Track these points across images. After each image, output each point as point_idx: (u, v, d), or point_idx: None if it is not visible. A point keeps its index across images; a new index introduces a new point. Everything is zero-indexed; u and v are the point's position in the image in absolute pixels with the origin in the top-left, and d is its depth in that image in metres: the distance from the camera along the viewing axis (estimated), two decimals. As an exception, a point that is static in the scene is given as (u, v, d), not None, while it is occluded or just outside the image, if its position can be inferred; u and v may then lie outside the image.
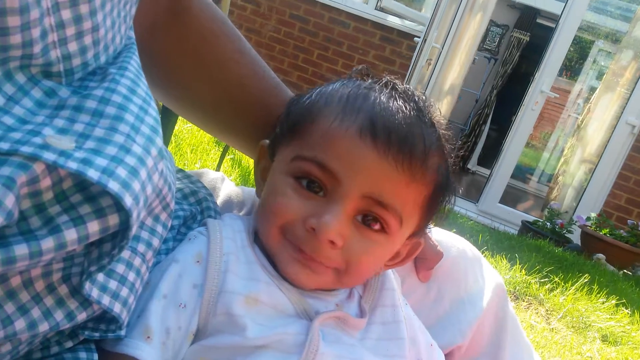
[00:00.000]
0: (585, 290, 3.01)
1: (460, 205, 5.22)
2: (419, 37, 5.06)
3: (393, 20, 5.54)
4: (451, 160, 0.66)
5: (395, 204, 0.61)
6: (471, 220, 4.44)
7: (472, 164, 8.34)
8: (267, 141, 0.72)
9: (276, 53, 5.84)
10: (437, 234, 0.83)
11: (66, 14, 0.44)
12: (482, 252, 3.14)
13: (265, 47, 5.81)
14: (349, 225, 0.61)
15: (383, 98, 0.63)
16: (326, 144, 0.60)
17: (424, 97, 0.67)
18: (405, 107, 0.62)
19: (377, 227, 0.62)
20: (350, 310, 0.65)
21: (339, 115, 0.61)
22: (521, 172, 8.11)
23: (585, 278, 3.09)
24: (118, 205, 0.45)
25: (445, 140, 0.65)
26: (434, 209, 0.67)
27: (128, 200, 0.44)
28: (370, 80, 0.67)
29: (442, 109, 5.11)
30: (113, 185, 0.43)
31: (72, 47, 0.46)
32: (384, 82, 0.66)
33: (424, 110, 0.64)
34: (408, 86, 0.67)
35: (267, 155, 0.70)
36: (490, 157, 7.21)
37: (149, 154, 0.48)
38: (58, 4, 0.43)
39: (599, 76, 7.69)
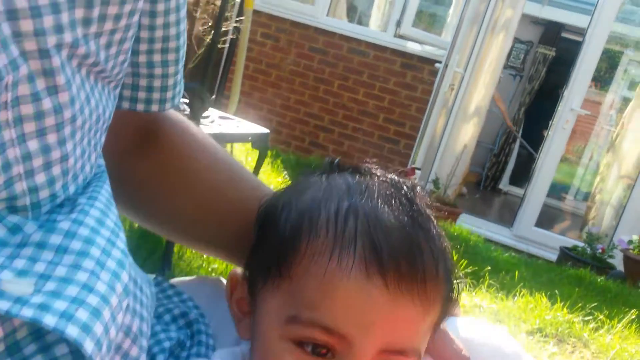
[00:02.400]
0: (634, 327, 2.82)
1: (494, 231, 5.06)
2: (440, 62, 4.97)
3: (413, 47, 5.48)
4: (448, 245, 0.57)
5: (413, 344, 0.53)
6: (506, 253, 4.23)
7: (504, 184, 8.16)
8: (238, 271, 0.63)
9: (296, 86, 5.82)
10: (467, 331, 0.73)
11: (33, 145, 0.42)
12: (520, 290, 3.03)
13: (285, 80, 5.81)
14: None
15: (374, 208, 0.53)
16: (327, 296, 0.51)
17: (407, 183, 0.58)
18: (400, 210, 0.54)
19: None
20: None
21: (335, 250, 0.52)
22: (555, 190, 7.89)
23: (633, 314, 2.91)
24: (75, 353, 0.41)
25: (438, 227, 0.57)
26: (445, 315, 0.58)
27: (89, 346, 0.40)
28: (345, 175, 0.58)
29: (468, 131, 5.06)
30: (72, 331, 0.39)
31: (40, 178, 0.44)
32: (362, 174, 0.58)
33: (413, 200, 0.55)
34: (387, 172, 0.59)
35: (243, 285, 0.62)
36: (522, 175, 7.05)
37: (114, 291, 0.44)
38: (24, 134, 0.41)
39: (631, 86, 7.48)
